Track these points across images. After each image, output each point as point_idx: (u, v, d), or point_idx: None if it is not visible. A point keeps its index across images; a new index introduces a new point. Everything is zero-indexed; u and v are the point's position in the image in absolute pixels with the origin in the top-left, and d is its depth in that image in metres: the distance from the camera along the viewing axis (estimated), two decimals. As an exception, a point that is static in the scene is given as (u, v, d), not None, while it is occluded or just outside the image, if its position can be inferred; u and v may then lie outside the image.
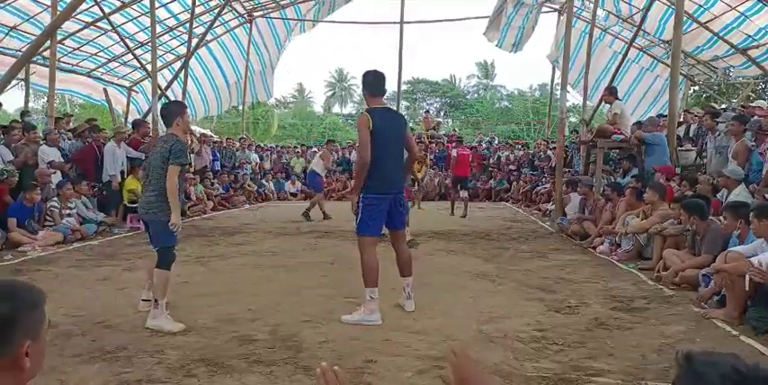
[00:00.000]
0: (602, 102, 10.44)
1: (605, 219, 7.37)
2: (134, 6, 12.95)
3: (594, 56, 15.63)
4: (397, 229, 4.35)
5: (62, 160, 8.74)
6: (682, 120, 11.32)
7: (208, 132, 19.37)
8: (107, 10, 11.95)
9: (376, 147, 4.02)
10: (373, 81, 4.20)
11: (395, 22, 17.42)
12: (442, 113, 44.32)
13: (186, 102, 14.82)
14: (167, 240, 4.09)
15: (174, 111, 4.27)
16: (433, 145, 18.59)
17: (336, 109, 49.81)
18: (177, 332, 3.78)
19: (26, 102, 12.74)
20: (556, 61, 16.63)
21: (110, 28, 12.18)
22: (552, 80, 18.62)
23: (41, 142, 8.57)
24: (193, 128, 16.89)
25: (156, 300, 3.94)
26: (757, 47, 12.36)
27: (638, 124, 9.37)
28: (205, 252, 6.99)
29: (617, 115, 8.69)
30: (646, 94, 16.08)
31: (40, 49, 9.49)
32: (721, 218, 5.13)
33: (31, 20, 11.45)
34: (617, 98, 9.11)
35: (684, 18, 9.78)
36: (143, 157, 9.93)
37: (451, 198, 12.72)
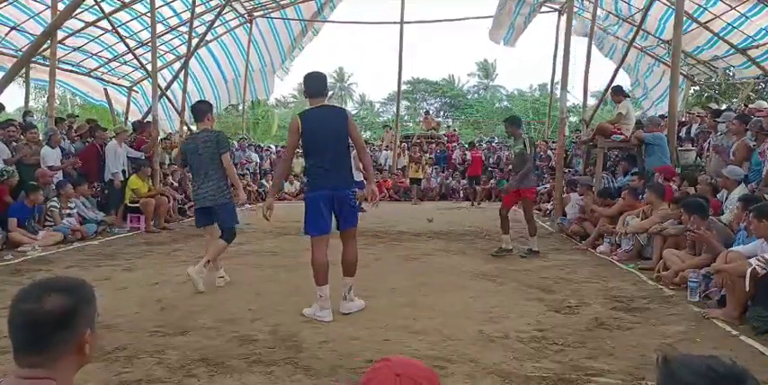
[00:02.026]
0: (601, 104, 10.44)
1: (603, 220, 7.37)
2: (134, 5, 12.94)
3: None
4: (344, 228, 4.25)
5: (63, 159, 8.75)
6: (686, 120, 11.33)
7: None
8: (108, 9, 11.94)
9: (310, 146, 4.14)
10: (307, 83, 4.22)
11: (395, 22, 17.42)
12: (441, 113, 44.32)
13: (186, 101, 14.87)
14: (235, 220, 5.08)
15: (205, 108, 5.09)
16: (433, 145, 18.61)
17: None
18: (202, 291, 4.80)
19: (26, 101, 12.73)
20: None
21: (110, 27, 12.17)
22: (552, 80, 18.60)
23: (43, 143, 8.57)
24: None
25: (208, 261, 4.86)
26: (757, 47, 12.35)
27: (639, 124, 9.37)
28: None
29: (621, 115, 8.61)
30: (656, 85, 16.02)
31: (41, 49, 9.48)
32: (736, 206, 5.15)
33: (35, 18, 11.46)
34: (625, 96, 8.94)
35: (684, 18, 9.78)
36: (142, 157, 9.94)
37: (470, 194, 15.29)
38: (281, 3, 16.85)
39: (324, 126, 4.11)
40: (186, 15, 14.25)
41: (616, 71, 11.72)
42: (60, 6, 9.48)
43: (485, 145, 18.69)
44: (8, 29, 11.35)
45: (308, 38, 18.00)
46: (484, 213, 12.41)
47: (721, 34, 12.72)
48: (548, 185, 12.81)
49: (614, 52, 16.10)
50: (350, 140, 4.27)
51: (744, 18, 11.74)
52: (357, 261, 4.33)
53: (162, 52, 14.96)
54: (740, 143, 6.63)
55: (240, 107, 21.61)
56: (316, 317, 4.10)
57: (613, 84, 9.89)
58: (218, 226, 5.11)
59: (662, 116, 10.86)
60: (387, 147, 18.66)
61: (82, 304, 1.28)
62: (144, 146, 9.95)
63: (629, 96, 9.28)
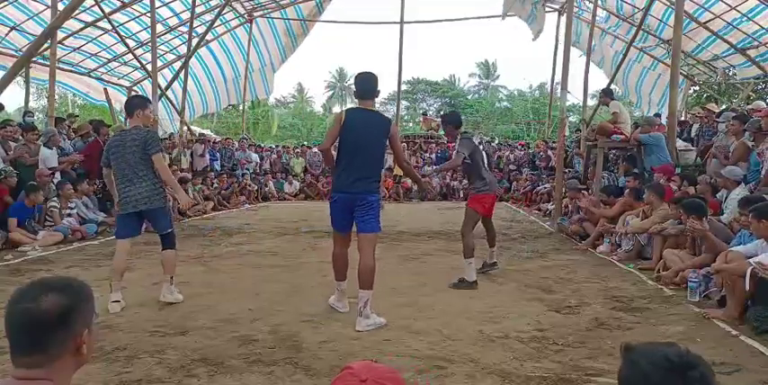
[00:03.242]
0: (601, 104, 10.57)
1: (603, 220, 7.37)
2: (135, 5, 12.94)
3: (602, 53, 15.70)
4: (360, 231, 4.09)
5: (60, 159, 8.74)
6: (688, 120, 11.35)
7: (207, 132, 19.38)
8: (108, 9, 11.94)
9: (344, 144, 4.06)
10: (356, 83, 4.17)
11: (395, 22, 17.43)
12: (441, 113, 44.33)
13: (186, 101, 14.88)
14: (171, 223, 4.68)
15: (137, 103, 4.59)
16: (433, 145, 18.62)
17: (336, 109, 49.89)
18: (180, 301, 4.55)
19: (26, 101, 12.74)
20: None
21: (110, 27, 12.17)
22: (552, 80, 18.62)
23: (41, 144, 8.55)
24: (193, 128, 16.93)
25: (171, 278, 4.56)
26: (757, 47, 12.35)
27: (636, 125, 9.44)
28: (205, 252, 6.99)
29: (616, 114, 8.83)
30: (653, 90, 16.04)
31: (41, 49, 9.49)
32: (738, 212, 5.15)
33: (35, 18, 11.47)
34: (612, 98, 9.35)
35: (684, 18, 9.80)
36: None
37: None
38: (281, 3, 16.85)
39: (364, 128, 4.00)
40: (186, 15, 14.26)
41: (616, 72, 11.74)
42: (60, 6, 9.48)
43: (485, 145, 18.69)
44: (8, 29, 11.36)
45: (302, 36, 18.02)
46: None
47: (721, 34, 12.72)
48: (548, 185, 12.82)
49: (604, 62, 16.08)
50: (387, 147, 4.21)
51: (744, 18, 11.73)
52: (373, 272, 4.00)
53: (162, 52, 14.97)
54: (739, 143, 6.63)
55: (240, 107, 21.62)
56: (333, 306, 4.32)
57: (612, 85, 10.04)
58: (157, 232, 4.67)
59: (656, 114, 10.91)
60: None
61: (79, 304, 1.27)
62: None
63: (614, 99, 9.49)
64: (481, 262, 5.84)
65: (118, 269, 4.52)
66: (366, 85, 4.11)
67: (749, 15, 11.56)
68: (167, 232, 4.61)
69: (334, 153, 4.18)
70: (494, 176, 5.74)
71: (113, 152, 4.49)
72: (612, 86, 12.66)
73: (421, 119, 25.05)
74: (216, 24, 14.78)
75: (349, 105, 48.01)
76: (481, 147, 5.73)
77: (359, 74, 4.17)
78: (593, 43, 14.05)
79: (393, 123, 4.24)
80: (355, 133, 3.99)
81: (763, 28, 11.63)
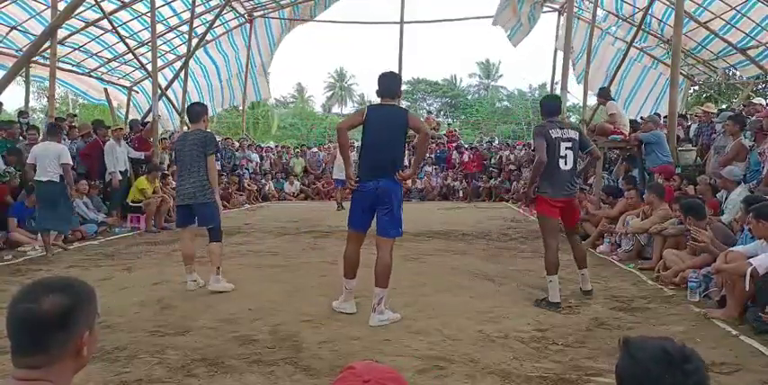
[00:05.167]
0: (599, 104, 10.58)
1: (604, 220, 7.37)
2: (135, 5, 12.92)
3: (599, 53, 15.65)
4: (378, 234, 4.15)
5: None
6: (686, 120, 11.34)
7: (208, 132, 19.33)
8: (108, 8, 11.92)
9: (368, 137, 4.19)
10: (380, 82, 4.26)
11: (395, 22, 17.43)
12: (441, 113, 44.39)
13: (186, 101, 14.88)
14: (216, 219, 5.00)
15: (201, 111, 5.14)
16: (434, 145, 18.60)
17: (336, 109, 49.91)
18: (231, 290, 4.87)
19: (26, 100, 12.72)
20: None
21: (110, 27, 12.16)
22: (552, 80, 18.59)
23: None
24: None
25: (218, 268, 4.89)
26: (757, 46, 12.35)
27: (635, 122, 9.41)
28: (205, 252, 6.98)
29: (614, 115, 8.78)
30: (651, 90, 16.03)
31: (41, 49, 9.48)
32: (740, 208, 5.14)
33: (36, 17, 11.46)
34: (609, 99, 9.19)
35: (684, 17, 9.79)
36: (142, 157, 9.94)
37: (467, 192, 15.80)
38: (281, 3, 16.85)
39: (386, 122, 4.14)
40: (186, 15, 14.25)
41: (615, 72, 11.74)
42: (61, 5, 9.47)
43: (485, 145, 18.68)
44: (9, 28, 11.35)
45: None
46: (484, 213, 12.41)
47: (720, 33, 12.71)
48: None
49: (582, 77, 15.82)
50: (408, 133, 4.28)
51: (740, 16, 11.73)
52: (389, 271, 4.09)
53: (162, 52, 14.96)
54: (736, 143, 6.64)
55: (240, 107, 21.63)
56: (339, 309, 4.25)
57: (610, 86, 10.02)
58: (202, 225, 5.06)
59: (656, 114, 10.88)
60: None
61: (81, 304, 1.26)
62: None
63: (612, 99, 9.39)
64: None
65: (185, 255, 5.07)
66: (391, 84, 4.26)
67: (743, 11, 11.54)
68: (210, 227, 5.00)
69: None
70: (568, 178, 4.61)
71: (178, 149, 5.05)
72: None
73: (424, 118, 25.00)
74: (216, 24, 14.77)
75: (349, 104, 48.14)
76: (563, 135, 4.58)
77: (384, 73, 4.28)
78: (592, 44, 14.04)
79: (409, 113, 4.39)
80: (377, 129, 4.14)
81: (759, 25, 11.61)
